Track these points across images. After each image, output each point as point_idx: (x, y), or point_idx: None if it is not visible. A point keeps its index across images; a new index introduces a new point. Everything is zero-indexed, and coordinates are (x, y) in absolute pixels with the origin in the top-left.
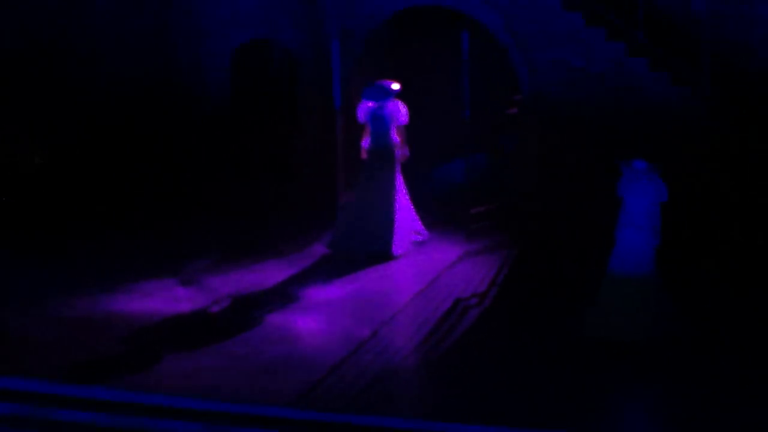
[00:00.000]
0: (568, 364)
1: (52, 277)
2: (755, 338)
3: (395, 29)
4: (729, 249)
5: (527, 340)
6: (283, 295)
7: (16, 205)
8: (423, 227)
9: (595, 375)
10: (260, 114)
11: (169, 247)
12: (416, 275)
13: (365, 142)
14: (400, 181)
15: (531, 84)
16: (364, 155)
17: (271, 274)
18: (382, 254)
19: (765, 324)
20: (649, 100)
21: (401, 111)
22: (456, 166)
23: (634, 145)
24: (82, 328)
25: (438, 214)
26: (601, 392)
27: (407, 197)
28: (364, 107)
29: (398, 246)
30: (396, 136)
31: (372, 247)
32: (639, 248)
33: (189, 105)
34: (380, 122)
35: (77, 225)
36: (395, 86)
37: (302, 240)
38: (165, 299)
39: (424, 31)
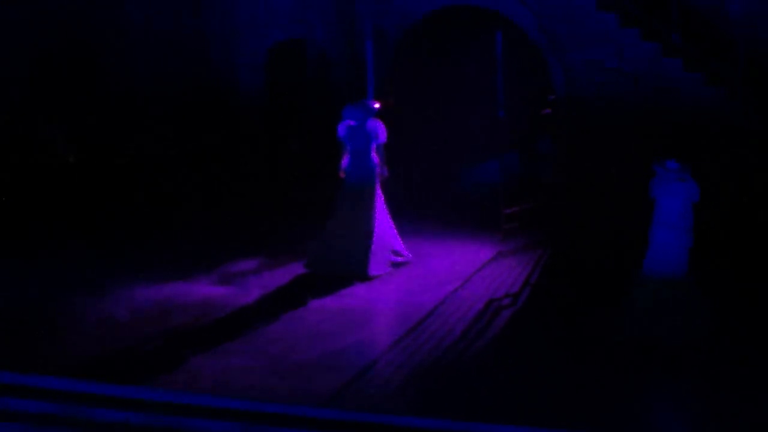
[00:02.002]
0: (600, 364)
1: (79, 277)
2: None
3: (429, 29)
4: (763, 250)
5: (560, 340)
6: (317, 296)
7: (51, 202)
8: (404, 248)
9: (627, 375)
10: (295, 113)
11: (203, 246)
12: (449, 276)
13: (344, 161)
14: (380, 201)
15: (565, 84)
16: (342, 175)
17: (305, 274)
18: (358, 276)
19: None
20: (683, 100)
21: (381, 130)
22: (490, 166)
23: (668, 145)
24: (112, 325)
25: (471, 214)
26: (632, 393)
27: (388, 217)
28: (344, 126)
29: (375, 267)
30: (375, 156)
31: (347, 268)
32: (672, 248)
33: (223, 103)
34: (360, 141)
35: (109, 224)
36: (376, 105)
37: None
38: (198, 298)
39: (457, 31)
